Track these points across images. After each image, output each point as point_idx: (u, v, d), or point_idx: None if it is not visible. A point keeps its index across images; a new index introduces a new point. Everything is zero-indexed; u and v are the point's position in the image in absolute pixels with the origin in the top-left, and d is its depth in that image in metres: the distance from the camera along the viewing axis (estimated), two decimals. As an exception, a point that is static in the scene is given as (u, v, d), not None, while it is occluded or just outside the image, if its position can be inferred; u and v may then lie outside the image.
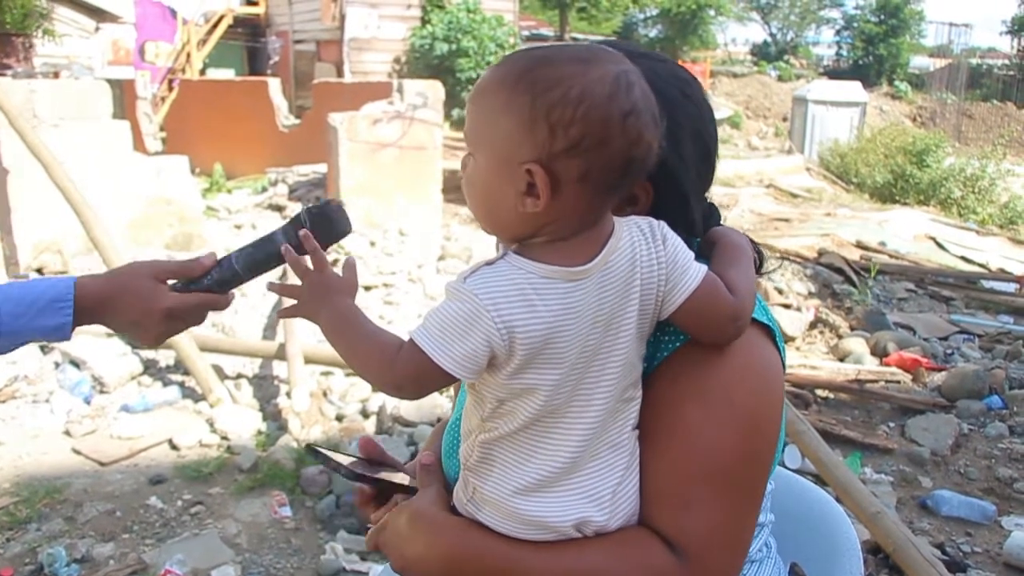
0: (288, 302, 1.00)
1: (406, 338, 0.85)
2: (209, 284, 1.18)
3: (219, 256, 1.19)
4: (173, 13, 18.71)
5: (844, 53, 31.46)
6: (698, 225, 0.97)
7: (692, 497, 0.87)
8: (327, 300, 0.93)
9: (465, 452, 0.92)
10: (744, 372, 0.90)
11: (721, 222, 1.04)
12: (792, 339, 5.76)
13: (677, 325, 0.89)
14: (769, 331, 0.95)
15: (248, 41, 20.69)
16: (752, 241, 1.04)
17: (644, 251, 0.85)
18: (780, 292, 6.48)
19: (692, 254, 0.88)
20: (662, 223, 0.88)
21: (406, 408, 4.25)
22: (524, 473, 0.86)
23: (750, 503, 0.92)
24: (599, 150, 0.79)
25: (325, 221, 1.06)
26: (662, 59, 0.99)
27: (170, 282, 1.19)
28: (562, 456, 0.86)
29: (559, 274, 0.82)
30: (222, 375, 4.74)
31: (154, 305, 1.15)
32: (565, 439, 0.86)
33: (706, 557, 0.86)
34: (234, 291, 1.20)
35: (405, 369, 0.84)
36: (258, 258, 1.12)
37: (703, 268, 0.87)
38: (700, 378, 0.89)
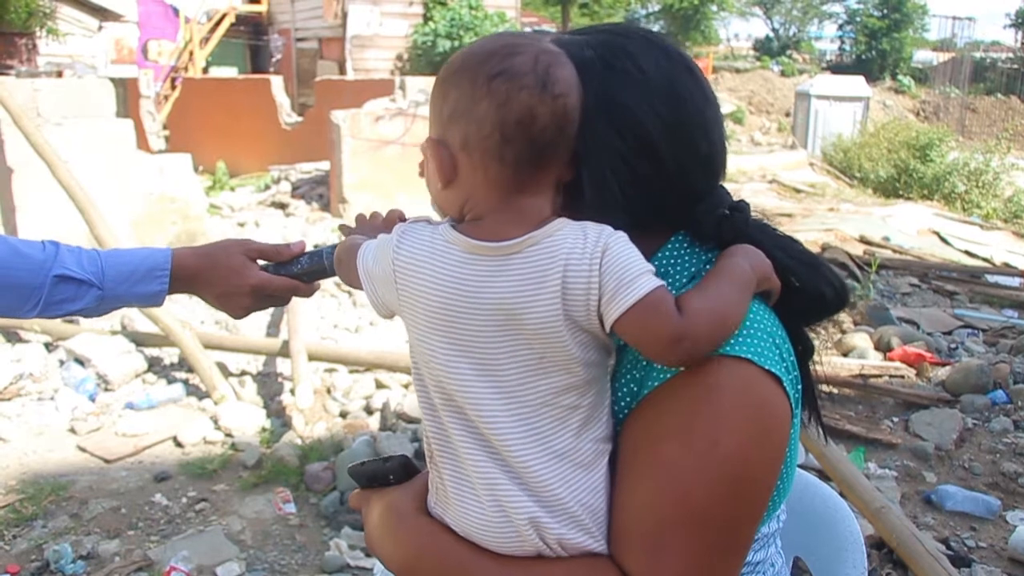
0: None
1: None
2: (298, 272, 1.27)
3: (310, 247, 1.29)
4: (176, 11, 18.70)
5: (847, 48, 31.37)
6: (607, 214, 0.86)
7: (663, 541, 0.81)
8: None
9: (426, 447, 0.91)
10: (734, 412, 0.81)
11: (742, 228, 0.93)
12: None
13: (623, 340, 0.84)
14: (774, 376, 0.84)
15: (250, 39, 20.69)
16: (818, 265, 0.93)
17: (577, 254, 0.80)
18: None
19: (644, 267, 0.80)
20: (618, 233, 0.82)
21: (410, 404, 4.26)
22: (474, 461, 0.84)
23: (729, 553, 0.85)
24: (469, 114, 0.82)
25: None
26: (621, 31, 0.93)
27: (260, 262, 1.28)
28: (502, 452, 0.83)
29: (460, 243, 0.83)
30: (226, 372, 4.75)
31: (242, 280, 1.25)
32: (497, 432, 0.82)
33: None
34: (319, 283, 1.30)
35: (347, 248, 0.97)
36: None
37: (650, 284, 0.79)
38: (685, 415, 0.82)
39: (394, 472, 0.99)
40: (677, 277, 0.91)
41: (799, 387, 0.90)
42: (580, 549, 0.84)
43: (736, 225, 0.91)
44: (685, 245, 0.93)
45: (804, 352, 0.95)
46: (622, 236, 0.82)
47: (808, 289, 0.92)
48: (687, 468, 0.81)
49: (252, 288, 1.25)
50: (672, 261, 0.92)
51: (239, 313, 1.28)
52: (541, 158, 0.83)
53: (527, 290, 0.80)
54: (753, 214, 0.94)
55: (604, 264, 0.80)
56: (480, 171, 0.83)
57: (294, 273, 1.27)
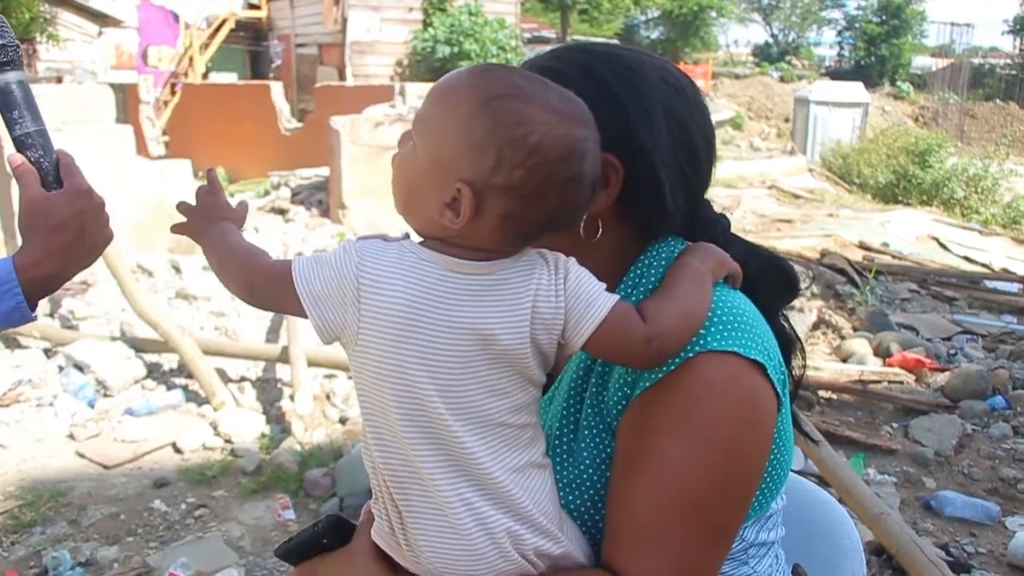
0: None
1: None
2: (38, 161, 1.08)
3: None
4: (175, 17, 18.74)
5: (846, 54, 31.44)
6: (670, 219, 0.95)
7: (660, 536, 0.84)
8: (215, 222, 0.95)
9: (383, 489, 0.87)
10: (725, 408, 0.85)
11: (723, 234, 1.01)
12: (795, 340, 5.76)
13: (592, 355, 0.87)
14: (759, 365, 0.87)
15: (250, 45, 20.72)
16: (778, 259, 1.01)
17: (545, 282, 0.83)
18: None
19: (600, 286, 0.85)
20: (570, 259, 0.86)
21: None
22: (449, 482, 0.83)
23: (721, 544, 0.88)
24: (532, 202, 0.81)
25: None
26: (651, 55, 1.00)
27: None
28: (471, 468, 0.83)
29: (437, 260, 0.82)
30: (225, 378, 4.75)
31: (51, 210, 1.07)
32: (465, 449, 0.82)
33: None
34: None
35: (268, 272, 0.87)
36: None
37: (610, 300, 0.83)
38: (678, 413, 0.85)
39: (327, 535, 0.93)
40: (653, 277, 0.95)
41: (783, 371, 0.93)
42: (553, 558, 0.86)
43: (725, 228, 1.01)
44: (655, 251, 0.98)
45: (786, 344, 0.99)
46: (574, 260, 0.86)
47: (771, 264, 1.00)
48: (684, 465, 0.84)
49: (70, 212, 1.07)
50: (646, 266, 0.96)
51: (100, 242, 1.12)
52: (546, 235, 0.86)
53: (499, 313, 0.82)
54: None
55: (568, 290, 0.84)
56: (501, 235, 0.83)
57: (36, 162, 1.07)
